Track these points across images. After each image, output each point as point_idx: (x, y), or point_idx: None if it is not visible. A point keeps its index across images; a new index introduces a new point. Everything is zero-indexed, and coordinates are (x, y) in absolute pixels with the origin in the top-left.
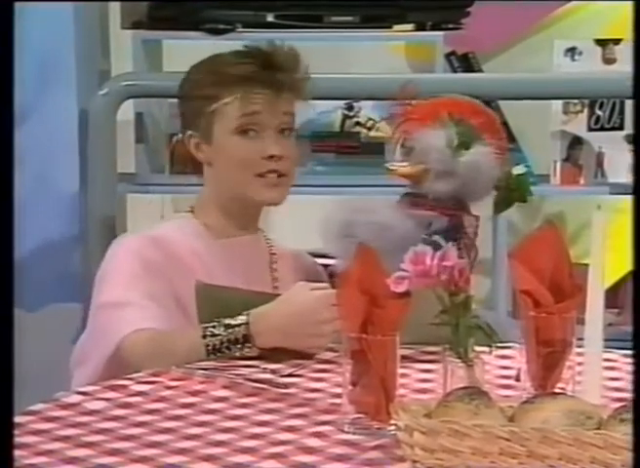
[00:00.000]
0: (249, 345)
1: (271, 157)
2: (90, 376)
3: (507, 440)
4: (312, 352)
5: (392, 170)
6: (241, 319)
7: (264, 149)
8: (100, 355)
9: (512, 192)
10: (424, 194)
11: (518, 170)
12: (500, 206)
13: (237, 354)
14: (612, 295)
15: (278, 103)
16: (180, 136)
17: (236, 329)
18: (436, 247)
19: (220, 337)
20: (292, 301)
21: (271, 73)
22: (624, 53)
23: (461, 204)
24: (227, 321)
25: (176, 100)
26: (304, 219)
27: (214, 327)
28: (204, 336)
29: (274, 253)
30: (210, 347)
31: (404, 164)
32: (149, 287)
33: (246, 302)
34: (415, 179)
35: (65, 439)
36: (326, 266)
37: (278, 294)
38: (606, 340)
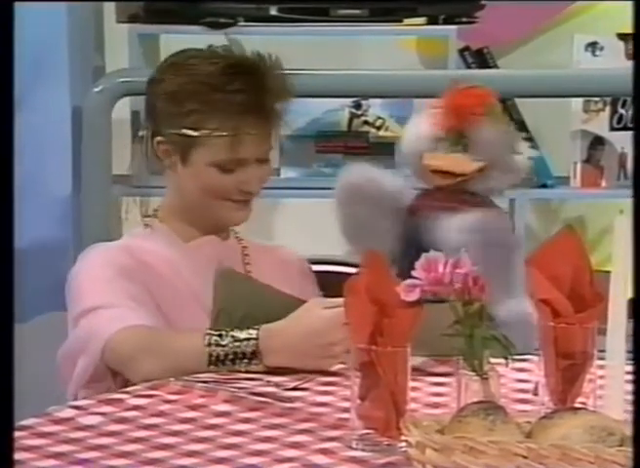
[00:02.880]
0: (256, 362)
1: (248, 192)
2: (79, 380)
3: (525, 457)
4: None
5: (438, 165)
6: (250, 333)
7: (243, 184)
8: (87, 361)
9: None
10: (465, 190)
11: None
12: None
13: (242, 369)
14: (635, 304)
15: (263, 142)
16: (143, 133)
17: (244, 343)
18: None
19: (225, 348)
20: (303, 320)
21: (262, 103)
22: None
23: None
24: (235, 332)
25: None
26: (310, 224)
27: (220, 336)
28: (208, 345)
29: (246, 247)
30: (213, 357)
31: (456, 161)
32: (128, 289)
33: (260, 293)
34: (469, 176)
35: (58, 456)
36: (342, 274)
37: (296, 299)
38: (629, 352)
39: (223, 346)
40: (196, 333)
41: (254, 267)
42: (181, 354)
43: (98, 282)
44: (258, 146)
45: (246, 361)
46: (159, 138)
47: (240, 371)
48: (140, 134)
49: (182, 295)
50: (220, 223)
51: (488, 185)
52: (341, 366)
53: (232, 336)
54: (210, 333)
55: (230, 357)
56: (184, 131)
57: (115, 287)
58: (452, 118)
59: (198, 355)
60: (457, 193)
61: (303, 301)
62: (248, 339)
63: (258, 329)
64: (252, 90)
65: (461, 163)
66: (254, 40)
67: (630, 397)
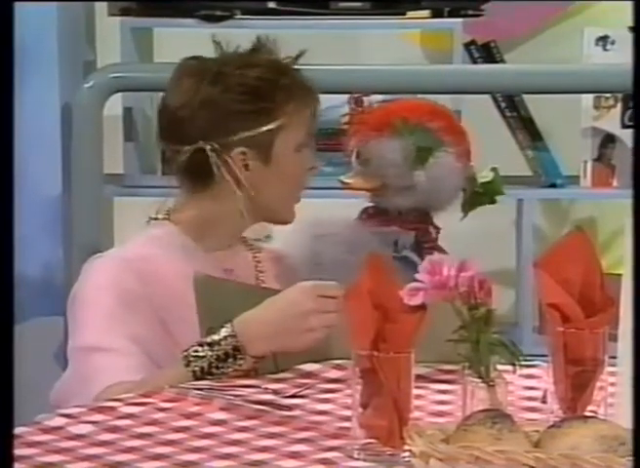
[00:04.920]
0: (241, 357)
1: (311, 169)
2: None
3: (533, 467)
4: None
5: (346, 183)
6: (225, 331)
7: (310, 160)
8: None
9: (480, 196)
10: (385, 208)
11: (485, 176)
12: (467, 207)
13: (230, 370)
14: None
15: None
16: (214, 153)
17: (222, 343)
18: (408, 263)
19: (206, 358)
20: (275, 300)
21: (309, 85)
22: None
23: (424, 215)
24: (210, 338)
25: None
26: None
27: (195, 350)
28: (187, 364)
29: (256, 255)
30: (197, 372)
31: (358, 177)
32: (130, 325)
33: (246, 295)
34: (372, 193)
35: (48, 466)
36: None
37: (278, 290)
38: None
39: (203, 357)
40: (177, 361)
41: (266, 276)
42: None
43: (99, 313)
44: (315, 122)
45: (231, 360)
46: (241, 149)
47: (235, 377)
48: (214, 157)
49: (190, 307)
50: (285, 219)
51: (390, 203)
52: (342, 372)
53: (209, 344)
54: (186, 352)
55: (214, 364)
56: (270, 125)
57: (116, 322)
58: (357, 136)
59: (183, 379)
60: (379, 214)
61: None
62: (225, 338)
63: (231, 324)
64: (298, 70)
65: (358, 181)
66: (251, 34)
67: (632, 399)
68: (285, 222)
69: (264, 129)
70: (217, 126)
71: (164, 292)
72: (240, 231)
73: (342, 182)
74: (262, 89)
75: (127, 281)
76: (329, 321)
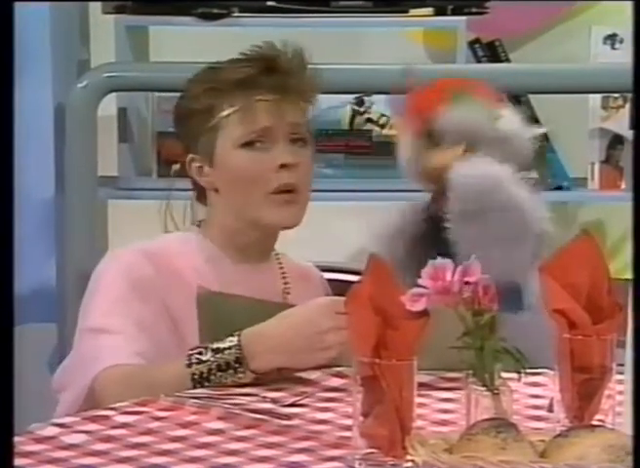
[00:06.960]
0: (242, 370)
1: (283, 167)
2: (71, 405)
3: None
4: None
5: (432, 164)
6: (231, 341)
7: (274, 159)
8: (80, 384)
9: None
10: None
11: None
12: None
13: (228, 381)
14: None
15: (285, 111)
16: (179, 164)
17: (226, 352)
18: None
19: (207, 364)
20: (288, 316)
21: (273, 77)
22: None
23: None
24: (216, 345)
25: (164, 94)
26: (310, 228)
27: (200, 353)
28: (189, 365)
29: (285, 273)
30: (197, 376)
31: (442, 150)
32: (137, 311)
33: (251, 311)
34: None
35: None
36: (342, 282)
37: (287, 304)
38: None
39: (205, 362)
40: (180, 359)
41: (293, 295)
42: (165, 384)
43: (108, 298)
44: (277, 118)
45: (231, 371)
46: (190, 156)
47: (232, 385)
48: (174, 167)
49: None
50: (266, 231)
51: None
52: (342, 380)
53: (213, 350)
54: (191, 353)
55: (214, 371)
56: (205, 126)
57: (124, 307)
58: (419, 122)
59: (181, 379)
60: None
61: None
62: (230, 348)
63: (239, 334)
64: (260, 67)
65: (444, 154)
66: (249, 32)
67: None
68: (276, 227)
69: (203, 130)
70: (177, 135)
71: (179, 288)
72: (262, 242)
73: (424, 165)
74: (196, 96)
75: (142, 270)
76: (345, 337)
